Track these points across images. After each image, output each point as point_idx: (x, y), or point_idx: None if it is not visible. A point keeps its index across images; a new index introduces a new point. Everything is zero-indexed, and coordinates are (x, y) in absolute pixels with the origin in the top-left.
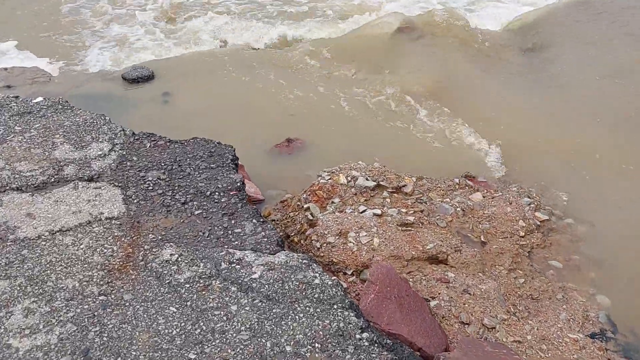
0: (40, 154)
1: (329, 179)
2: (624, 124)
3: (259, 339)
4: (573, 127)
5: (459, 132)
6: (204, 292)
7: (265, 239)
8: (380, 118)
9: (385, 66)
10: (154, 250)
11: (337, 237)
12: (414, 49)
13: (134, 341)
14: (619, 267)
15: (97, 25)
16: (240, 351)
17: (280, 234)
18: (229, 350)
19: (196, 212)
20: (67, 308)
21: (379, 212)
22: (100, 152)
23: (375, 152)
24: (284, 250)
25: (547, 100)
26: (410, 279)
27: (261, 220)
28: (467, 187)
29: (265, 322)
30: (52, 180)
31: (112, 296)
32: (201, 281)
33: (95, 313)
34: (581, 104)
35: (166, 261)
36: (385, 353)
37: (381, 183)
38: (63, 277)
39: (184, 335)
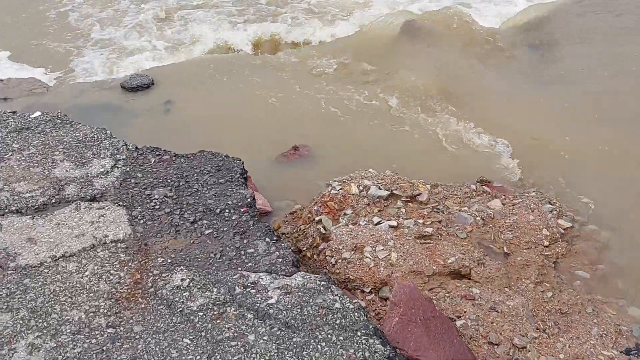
0: (39, 173)
1: (340, 189)
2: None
3: None
4: (586, 125)
5: (469, 134)
6: (218, 321)
7: (280, 260)
8: (387, 121)
9: (391, 67)
10: (163, 275)
11: (352, 252)
12: (419, 48)
13: None
14: None
15: (88, 30)
16: None
17: (292, 248)
18: None
19: (206, 232)
20: (74, 343)
21: (394, 223)
22: (102, 169)
23: (385, 158)
24: (300, 272)
25: (556, 98)
26: (433, 297)
27: (274, 238)
28: (484, 194)
29: (286, 353)
30: (53, 201)
31: (121, 328)
32: (215, 308)
33: (104, 348)
34: (593, 101)
35: (177, 287)
36: None
37: (395, 192)
38: (68, 308)
39: None
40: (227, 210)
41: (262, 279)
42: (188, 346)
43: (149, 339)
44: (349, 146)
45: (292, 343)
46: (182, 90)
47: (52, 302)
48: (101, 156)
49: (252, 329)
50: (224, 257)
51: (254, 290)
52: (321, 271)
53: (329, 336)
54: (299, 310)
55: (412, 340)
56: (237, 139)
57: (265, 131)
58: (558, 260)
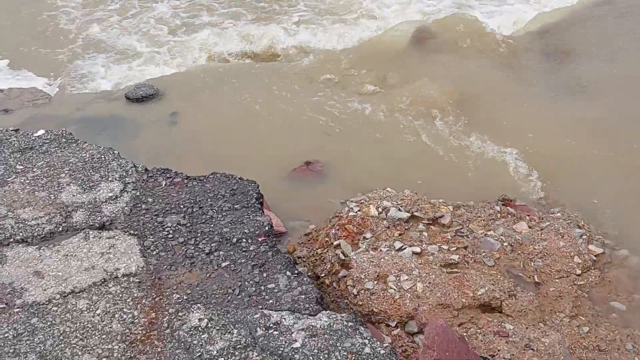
0: (45, 198)
1: (358, 210)
2: None
3: None
4: (608, 137)
5: (487, 148)
6: None
7: (303, 296)
8: (401, 134)
9: (403, 77)
10: (180, 314)
11: (375, 282)
12: (432, 57)
13: None
14: None
15: (87, 35)
16: None
17: (310, 274)
18: None
19: (223, 264)
20: None
21: (418, 249)
22: (111, 194)
23: (400, 174)
24: (326, 311)
25: (575, 108)
26: (465, 334)
27: (295, 272)
28: (509, 216)
29: None
30: (60, 229)
31: None
32: (237, 353)
33: None
34: (613, 111)
35: (195, 328)
36: None
37: (415, 214)
38: (79, 353)
39: None
40: (244, 240)
41: (284, 319)
42: None
43: None
44: (363, 161)
45: None
46: (187, 100)
47: (63, 345)
48: (109, 179)
49: None
50: (243, 293)
51: (277, 332)
52: (342, 302)
53: None
54: (326, 357)
55: None
56: (246, 154)
57: (275, 145)
58: (591, 290)
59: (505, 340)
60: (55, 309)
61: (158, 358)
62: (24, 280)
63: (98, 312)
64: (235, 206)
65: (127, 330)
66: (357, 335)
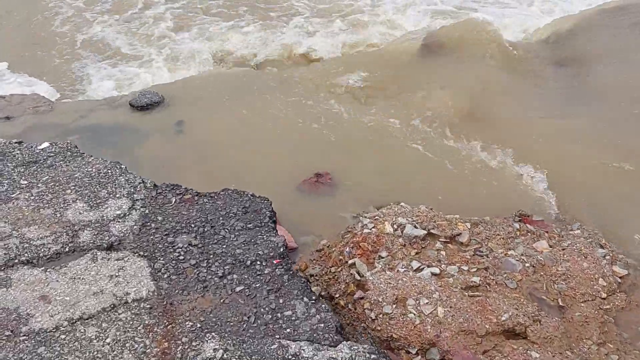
0: (51, 215)
1: (373, 227)
2: None
3: None
4: (625, 149)
5: (501, 160)
6: None
7: (322, 325)
8: (411, 146)
9: (413, 86)
10: (193, 343)
11: (394, 306)
12: (442, 65)
13: None
14: None
15: (86, 38)
16: None
17: (323, 293)
18: None
19: (237, 289)
20: None
21: (437, 270)
22: (119, 212)
23: (413, 187)
24: (347, 341)
25: (590, 118)
26: None
27: (313, 298)
28: (528, 233)
29: None
30: (67, 249)
31: None
32: None
33: None
34: (629, 122)
35: (210, 359)
36: None
37: (432, 231)
38: None
39: None
40: (258, 262)
41: (304, 350)
42: None
43: None
44: (374, 173)
45: None
46: (193, 108)
47: None
48: (117, 195)
49: None
50: (259, 321)
51: None
52: (359, 326)
53: None
54: None
55: None
56: (254, 165)
57: (282, 155)
58: (618, 314)
59: None
60: (63, 337)
61: None
62: (29, 306)
63: (108, 340)
64: (248, 225)
65: None
66: None
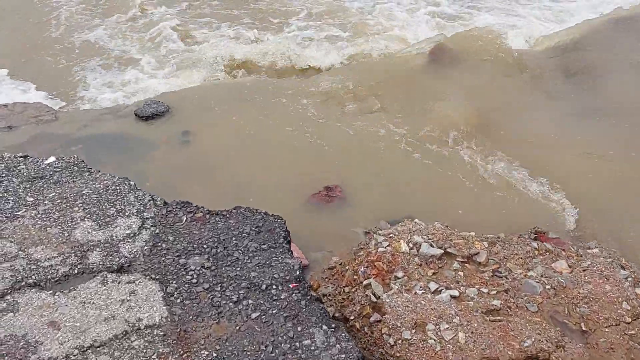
0: (58, 235)
1: (388, 245)
2: None
3: None
4: (637, 165)
5: (513, 174)
6: None
7: (343, 356)
8: (422, 158)
9: (421, 97)
10: None
11: (413, 331)
12: (450, 75)
13: None
14: None
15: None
16: None
17: (337, 315)
18: None
19: (253, 315)
20: None
21: (456, 293)
22: (128, 231)
23: (424, 201)
24: None
25: (605, 132)
26: None
27: (333, 326)
28: (547, 253)
29: None
30: (76, 271)
31: None
32: None
33: None
34: None
35: None
36: None
37: (448, 250)
38: None
39: None
40: (274, 287)
41: None
42: None
43: None
44: (385, 187)
45: None
46: (199, 118)
47: None
48: (126, 214)
49: None
50: (277, 351)
51: None
52: (376, 351)
53: None
54: None
55: None
56: (263, 177)
57: (291, 167)
58: None
59: None
60: None
61: None
62: (38, 332)
63: None
64: (262, 246)
65: None
66: None
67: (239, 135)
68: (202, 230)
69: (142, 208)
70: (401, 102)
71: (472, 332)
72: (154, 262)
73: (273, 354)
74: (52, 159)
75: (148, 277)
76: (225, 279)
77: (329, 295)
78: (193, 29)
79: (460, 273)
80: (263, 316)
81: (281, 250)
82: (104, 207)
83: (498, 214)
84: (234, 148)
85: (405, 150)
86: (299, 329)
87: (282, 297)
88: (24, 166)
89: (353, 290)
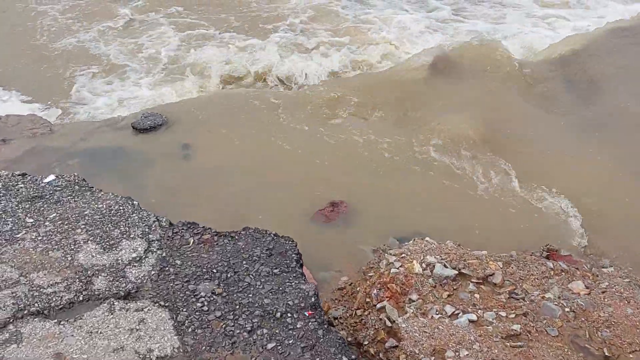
0: (61, 258)
1: (400, 266)
2: None
3: None
4: None
5: (521, 188)
6: None
7: None
8: (428, 172)
9: (425, 110)
10: None
11: (432, 358)
12: (453, 88)
13: None
14: None
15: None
16: None
17: (349, 339)
18: None
19: (269, 346)
20: None
21: (474, 317)
22: (134, 255)
23: (432, 216)
24: None
25: (612, 145)
26: None
27: (353, 357)
28: (562, 273)
29: None
30: (81, 298)
31: None
32: None
33: None
34: None
35: None
36: None
37: (463, 271)
38: None
39: None
40: (289, 315)
41: None
42: None
43: None
44: (391, 201)
45: None
46: (198, 131)
47: None
48: (131, 236)
49: None
50: None
51: None
52: None
53: None
54: None
55: None
56: (266, 193)
57: (295, 183)
58: None
59: None
60: None
61: None
62: None
63: None
64: (275, 270)
65: None
66: None
67: (239, 148)
68: (211, 253)
69: (147, 230)
70: (404, 114)
71: (492, 359)
72: (162, 288)
73: None
74: (51, 177)
75: (157, 304)
76: (238, 306)
77: (340, 318)
78: (185, 37)
79: (476, 295)
80: (279, 347)
81: (294, 274)
82: (107, 228)
83: (507, 229)
84: (235, 162)
85: (410, 163)
86: None
87: (298, 325)
88: (22, 185)
89: (366, 313)
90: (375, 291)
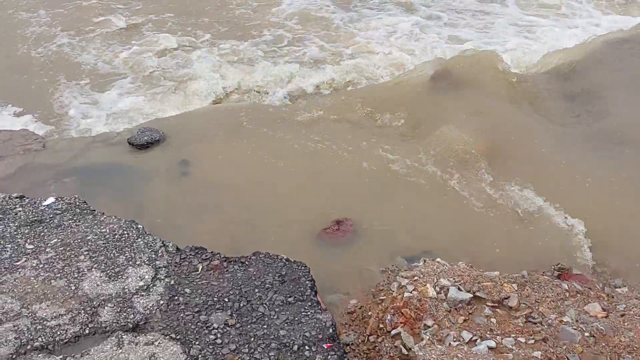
0: (64, 288)
1: (413, 289)
2: None
3: None
4: None
5: (526, 204)
6: None
7: None
8: (433, 188)
9: (427, 123)
10: None
11: None
12: (454, 100)
13: None
14: None
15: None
16: None
17: None
18: None
19: None
20: None
21: (493, 344)
22: (142, 283)
23: (440, 234)
24: None
25: (616, 161)
26: None
27: None
28: (578, 294)
29: None
30: (87, 331)
31: None
32: None
33: None
34: None
35: None
36: None
37: (478, 294)
38: None
39: None
40: (306, 347)
41: None
42: None
43: None
44: (398, 218)
45: None
46: (196, 147)
47: None
48: (137, 262)
49: None
50: None
51: None
52: None
53: None
54: None
55: None
56: (269, 212)
57: (298, 199)
58: None
59: None
60: None
61: None
62: None
63: None
64: (289, 299)
65: None
66: None
67: (239, 165)
68: (221, 280)
69: (153, 256)
70: (407, 127)
71: None
72: (172, 319)
73: None
74: (51, 199)
75: (168, 337)
76: (252, 339)
77: (352, 344)
78: (178, 47)
79: (493, 320)
80: None
81: (309, 303)
82: (112, 254)
83: (516, 247)
84: (236, 179)
85: (415, 179)
86: None
87: (317, 359)
88: (20, 208)
89: (379, 340)
90: (389, 317)
